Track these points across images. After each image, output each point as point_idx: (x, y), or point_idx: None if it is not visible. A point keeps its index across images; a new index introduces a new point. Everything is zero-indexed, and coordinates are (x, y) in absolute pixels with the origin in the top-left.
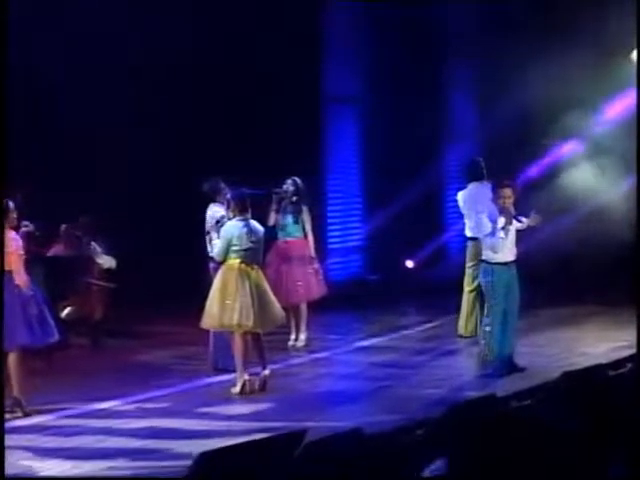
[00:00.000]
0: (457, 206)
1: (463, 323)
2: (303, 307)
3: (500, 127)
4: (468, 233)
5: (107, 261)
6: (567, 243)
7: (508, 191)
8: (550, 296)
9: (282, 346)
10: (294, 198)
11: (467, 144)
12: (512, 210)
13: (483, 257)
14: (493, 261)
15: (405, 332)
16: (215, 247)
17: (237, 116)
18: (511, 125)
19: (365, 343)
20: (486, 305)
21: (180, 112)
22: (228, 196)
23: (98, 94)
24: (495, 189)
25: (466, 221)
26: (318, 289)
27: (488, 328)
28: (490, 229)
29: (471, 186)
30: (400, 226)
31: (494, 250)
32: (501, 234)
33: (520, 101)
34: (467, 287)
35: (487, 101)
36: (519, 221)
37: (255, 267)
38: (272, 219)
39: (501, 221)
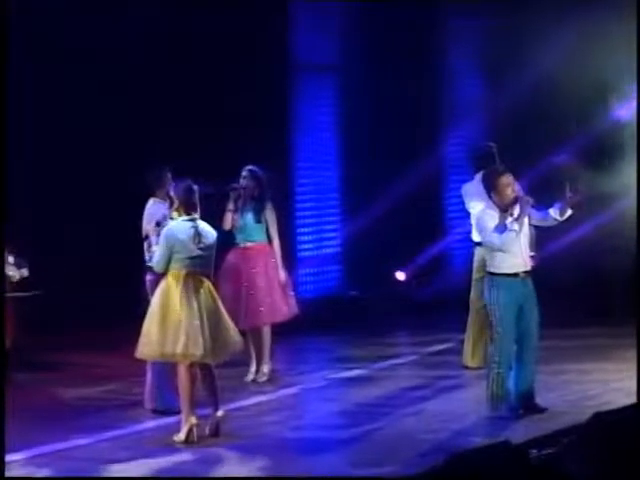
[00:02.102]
0: (462, 202)
1: (469, 350)
2: (266, 331)
3: (514, 103)
4: (475, 237)
5: (17, 274)
6: (599, 249)
7: (506, 178)
8: (578, 317)
9: (239, 381)
10: (255, 192)
11: (473, 124)
12: (529, 199)
13: (487, 268)
14: (500, 271)
15: (395, 361)
16: (154, 255)
17: (184, 92)
18: (527, 100)
19: (344, 375)
20: (493, 331)
21: (115, 83)
22: (171, 191)
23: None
24: (488, 182)
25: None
26: (286, 308)
27: (496, 359)
28: (498, 223)
29: (480, 178)
30: (388, 228)
31: (503, 249)
32: (515, 226)
33: (538, 71)
34: (474, 304)
35: (497, 70)
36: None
37: (205, 280)
38: (228, 221)
39: (515, 210)
